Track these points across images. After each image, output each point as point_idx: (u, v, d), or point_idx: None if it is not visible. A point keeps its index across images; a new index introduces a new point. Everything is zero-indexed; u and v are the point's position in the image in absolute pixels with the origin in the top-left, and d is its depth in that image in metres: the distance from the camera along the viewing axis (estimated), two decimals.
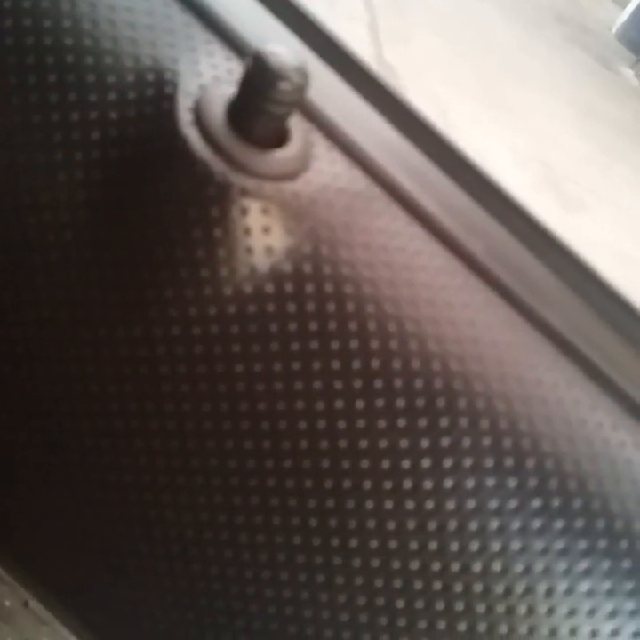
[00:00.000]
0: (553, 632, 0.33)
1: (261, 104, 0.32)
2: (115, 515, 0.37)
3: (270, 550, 0.35)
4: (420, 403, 0.33)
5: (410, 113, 0.41)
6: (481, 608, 0.33)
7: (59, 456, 0.37)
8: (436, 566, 0.33)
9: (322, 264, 0.33)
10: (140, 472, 0.36)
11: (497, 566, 0.33)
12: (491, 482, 0.33)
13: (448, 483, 0.33)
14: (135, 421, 0.35)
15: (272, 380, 0.33)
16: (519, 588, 0.33)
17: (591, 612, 0.33)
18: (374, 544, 0.34)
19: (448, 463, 0.33)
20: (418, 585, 0.33)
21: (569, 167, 2.94)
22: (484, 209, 0.40)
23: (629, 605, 0.33)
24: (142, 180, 0.34)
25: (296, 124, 0.34)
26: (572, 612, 0.33)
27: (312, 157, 0.35)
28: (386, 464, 0.33)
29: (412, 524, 0.33)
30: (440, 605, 0.33)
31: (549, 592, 0.33)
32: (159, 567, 0.37)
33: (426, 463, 0.33)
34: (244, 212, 0.33)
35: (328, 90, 0.39)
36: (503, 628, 0.33)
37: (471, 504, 0.33)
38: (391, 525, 0.33)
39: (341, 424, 0.33)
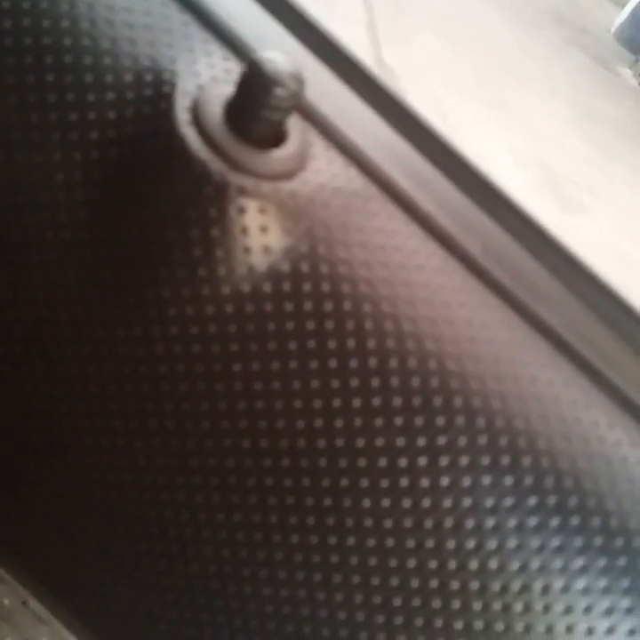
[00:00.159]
0: (549, 629, 0.33)
1: (257, 110, 0.32)
2: (114, 514, 0.37)
3: (268, 549, 0.35)
4: (416, 401, 0.33)
5: (407, 113, 0.41)
6: (477, 606, 0.33)
7: (58, 455, 0.38)
8: (433, 564, 0.33)
9: (319, 263, 0.34)
10: (139, 471, 0.36)
11: (493, 564, 0.33)
12: (487, 480, 0.33)
13: (444, 481, 0.33)
14: (134, 421, 0.35)
15: (270, 379, 0.34)
16: (515, 585, 0.33)
17: (587, 610, 0.33)
18: (371, 542, 0.34)
19: (444, 461, 0.33)
20: (414, 583, 0.34)
21: (568, 167, 2.94)
22: (481, 208, 0.40)
23: (625, 603, 0.33)
24: (140, 180, 0.34)
25: (293, 123, 0.35)
26: (568, 610, 0.33)
27: (309, 157, 0.35)
28: (383, 462, 0.33)
29: (408, 522, 0.33)
30: (437, 603, 0.34)
31: (545, 589, 0.33)
32: (157, 566, 0.37)
33: (422, 461, 0.33)
34: (242, 211, 0.33)
35: (325, 89, 0.39)
36: (500, 626, 0.33)
37: (467, 502, 0.33)
38: (388, 523, 0.33)
39: (338, 422, 0.33)
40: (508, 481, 0.33)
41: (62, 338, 0.36)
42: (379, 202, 0.36)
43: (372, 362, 0.33)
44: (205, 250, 0.33)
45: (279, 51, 0.32)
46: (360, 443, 0.33)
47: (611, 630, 0.33)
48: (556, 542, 0.33)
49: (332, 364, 0.33)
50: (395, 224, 0.36)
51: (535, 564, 0.33)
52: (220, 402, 0.34)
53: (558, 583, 0.33)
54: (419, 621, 0.34)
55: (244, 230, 0.33)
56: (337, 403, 0.33)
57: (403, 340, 0.34)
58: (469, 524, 0.33)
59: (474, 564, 0.33)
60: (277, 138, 0.34)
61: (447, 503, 0.33)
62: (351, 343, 0.33)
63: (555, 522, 0.33)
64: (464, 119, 2.71)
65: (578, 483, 0.34)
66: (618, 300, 0.40)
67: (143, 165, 0.34)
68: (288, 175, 0.34)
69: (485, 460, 0.33)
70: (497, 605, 0.33)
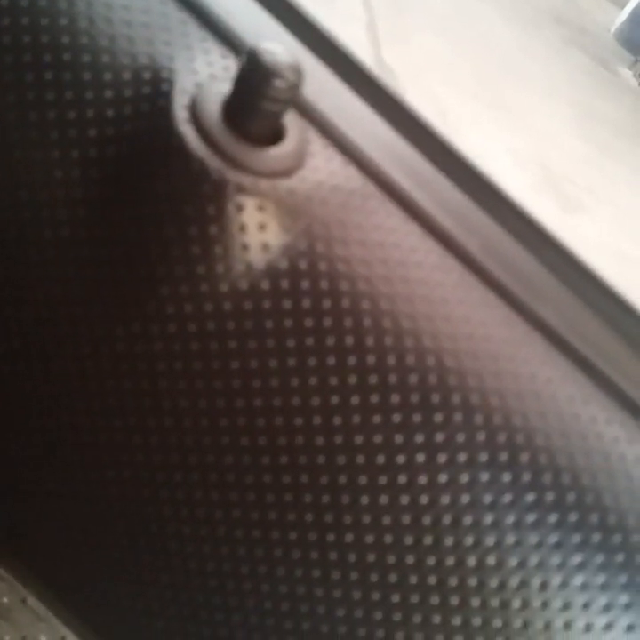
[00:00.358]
0: (547, 626, 0.33)
1: (256, 101, 0.32)
2: (112, 511, 0.37)
3: (266, 546, 0.35)
4: (414, 398, 0.33)
5: (405, 111, 0.41)
6: (476, 602, 0.33)
7: (57, 453, 0.38)
8: (431, 561, 0.33)
9: (317, 261, 0.34)
10: (137, 468, 0.36)
11: (491, 560, 0.33)
12: (485, 476, 0.33)
13: (443, 478, 0.33)
14: (133, 418, 0.35)
15: (268, 377, 0.34)
16: (513, 581, 0.33)
17: (585, 606, 0.33)
18: (370, 539, 0.34)
19: (442, 458, 0.33)
20: (413, 579, 0.34)
21: (568, 167, 2.94)
22: (479, 206, 0.40)
23: (623, 599, 0.33)
24: (139, 178, 0.34)
25: (291, 121, 0.35)
26: (566, 606, 0.33)
27: (308, 155, 0.35)
28: (381, 459, 0.33)
29: (406, 519, 0.33)
30: (435, 600, 0.34)
31: (544, 586, 0.33)
32: (156, 563, 0.37)
33: (420, 458, 0.33)
34: (240, 208, 0.33)
35: (324, 87, 0.39)
36: (498, 622, 0.34)
37: (466, 499, 0.33)
38: (386, 520, 0.33)
39: (337, 420, 0.34)
40: (507, 477, 0.33)
41: (61, 335, 0.36)
42: (377, 200, 0.36)
43: (371, 359, 0.33)
44: (204, 247, 0.33)
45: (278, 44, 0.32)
46: (358, 440, 0.33)
47: (609, 626, 0.33)
48: (554, 539, 0.33)
49: (331, 361, 0.33)
50: (393, 222, 0.36)
51: (533, 560, 0.33)
52: (218, 399, 0.34)
53: (556, 579, 0.33)
54: (417, 618, 0.34)
55: (243, 228, 0.33)
56: (335, 400, 0.33)
57: (401, 337, 0.34)
58: (468, 520, 0.33)
59: (472, 561, 0.33)
60: (275, 135, 0.34)
61: (445, 500, 0.33)
62: (349, 340, 0.33)
63: (553, 518, 0.33)
64: (464, 119, 2.71)
65: (576, 479, 0.34)
66: (616, 298, 0.40)
67: (141, 163, 0.34)
68: (286, 173, 0.34)
69: (483, 457, 0.33)
70: (495, 601, 0.33)
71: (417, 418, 0.33)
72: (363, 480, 0.34)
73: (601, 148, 3.23)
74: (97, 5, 0.35)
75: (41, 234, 0.35)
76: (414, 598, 0.34)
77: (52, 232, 0.35)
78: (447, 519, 0.33)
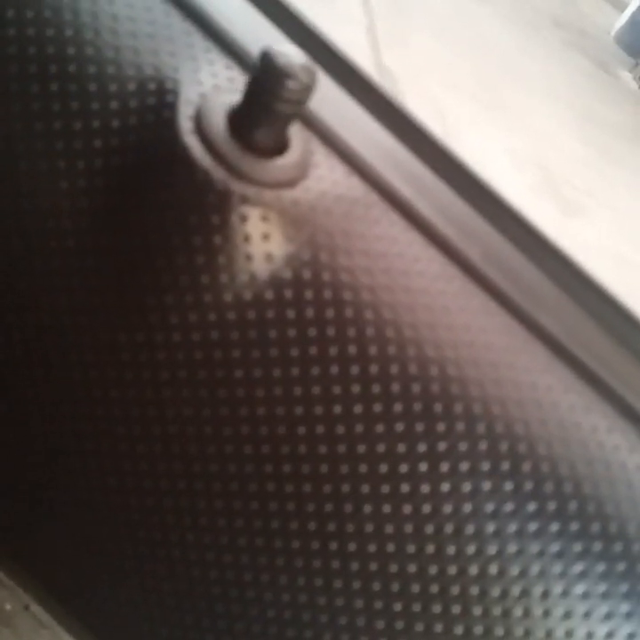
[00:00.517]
0: (549, 634, 0.34)
1: (270, 103, 0.32)
2: (115, 519, 0.37)
3: (269, 554, 0.35)
4: (417, 407, 0.34)
5: (408, 120, 0.41)
6: (477, 610, 0.34)
7: (60, 461, 0.38)
8: (433, 569, 0.34)
9: (321, 271, 0.34)
10: (141, 476, 0.36)
11: (493, 569, 0.33)
12: (487, 485, 0.33)
13: (445, 486, 0.33)
14: (137, 426, 0.35)
15: (271, 386, 0.34)
16: (515, 590, 0.33)
17: (587, 615, 0.34)
18: (372, 547, 0.34)
19: (445, 467, 0.33)
20: (415, 588, 0.34)
21: (567, 170, 2.95)
22: (481, 215, 0.40)
23: (624, 608, 0.34)
24: (143, 188, 0.34)
25: (295, 132, 0.35)
26: (567, 615, 0.34)
27: (311, 165, 0.35)
28: (384, 468, 0.34)
29: (409, 528, 0.34)
30: (437, 608, 0.34)
31: (545, 594, 0.33)
32: (159, 571, 0.37)
33: (423, 467, 0.33)
34: (244, 219, 0.33)
35: (327, 97, 0.39)
36: (500, 631, 0.34)
37: (468, 507, 0.33)
38: (389, 529, 0.34)
39: (340, 429, 0.34)
40: (508, 486, 0.34)
41: (65, 343, 0.36)
42: (380, 209, 0.37)
43: (374, 368, 0.34)
44: (208, 257, 0.33)
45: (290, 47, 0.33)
46: (361, 449, 0.34)
47: (610, 635, 0.34)
48: (555, 547, 0.33)
49: (334, 370, 0.34)
50: (396, 231, 0.36)
51: (535, 569, 0.33)
52: (222, 408, 0.34)
53: (558, 588, 0.33)
54: (419, 626, 0.34)
55: (247, 238, 0.33)
56: (338, 409, 0.34)
57: (403, 347, 0.34)
58: (470, 529, 0.33)
59: (474, 569, 0.33)
60: (280, 146, 0.34)
61: (448, 509, 0.33)
62: (353, 350, 0.34)
63: (554, 527, 0.33)
64: (463, 121, 2.71)
65: (577, 488, 0.34)
66: (616, 306, 0.40)
67: (146, 173, 0.34)
68: (290, 183, 0.34)
69: (486, 466, 0.34)
70: (497, 610, 0.34)
71: (419, 427, 0.34)
72: (365, 489, 0.34)
73: (600, 150, 3.23)
74: (102, 17, 0.35)
75: (46, 243, 0.35)
76: (416, 607, 0.34)
77: (57, 242, 0.35)
78: (449, 528, 0.33)
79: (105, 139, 0.34)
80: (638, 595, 0.34)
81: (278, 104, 0.32)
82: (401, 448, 0.33)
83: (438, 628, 0.34)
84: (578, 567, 0.33)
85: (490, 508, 0.33)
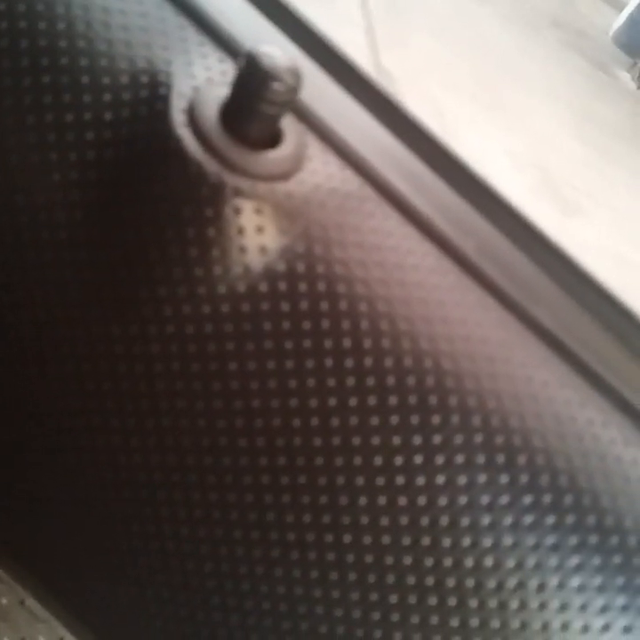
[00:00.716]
0: (545, 627, 0.34)
1: (254, 104, 0.32)
2: (110, 512, 0.37)
3: (265, 547, 0.35)
4: (412, 400, 0.34)
5: (403, 114, 0.41)
6: (473, 603, 0.34)
7: (54, 455, 0.38)
8: (429, 562, 0.34)
9: (315, 263, 0.34)
10: (135, 470, 0.36)
11: (489, 562, 0.33)
12: (482, 478, 0.33)
13: (440, 479, 0.33)
14: (130, 419, 0.35)
15: (265, 378, 0.34)
16: (511, 583, 0.33)
17: (583, 607, 0.33)
18: (367, 540, 0.34)
19: (440, 460, 0.33)
20: (411, 580, 0.34)
21: (566, 170, 2.95)
22: (476, 209, 0.40)
23: (620, 600, 0.34)
24: (137, 181, 0.34)
25: (289, 125, 0.35)
26: (563, 607, 0.33)
27: (305, 158, 0.35)
28: (379, 461, 0.34)
29: (404, 520, 0.34)
30: (433, 600, 0.34)
31: (541, 587, 0.33)
32: (154, 564, 0.37)
33: (418, 460, 0.33)
34: (238, 211, 0.33)
35: (321, 92, 0.39)
36: (496, 623, 0.34)
37: (463, 500, 0.33)
38: (384, 521, 0.34)
39: (334, 421, 0.34)
40: (504, 479, 0.34)
41: (58, 337, 0.36)
42: (374, 203, 0.37)
43: (368, 361, 0.34)
44: (201, 250, 0.33)
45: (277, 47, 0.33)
46: (356, 441, 0.34)
47: (606, 627, 0.34)
48: (551, 540, 0.33)
49: (328, 363, 0.34)
50: (390, 224, 0.36)
51: (531, 561, 0.33)
52: (216, 400, 0.34)
53: (554, 581, 0.33)
54: (415, 618, 0.34)
55: (240, 230, 0.33)
56: (333, 401, 0.34)
57: (398, 340, 0.34)
58: (465, 521, 0.33)
59: (470, 562, 0.33)
60: (273, 139, 0.34)
61: (443, 501, 0.33)
62: (347, 342, 0.34)
63: (550, 520, 0.33)
64: (462, 120, 2.71)
65: (573, 481, 0.34)
66: (612, 300, 0.40)
67: (139, 166, 0.34)
68: (284, 176, 0.34)
69: (481, 459, 0.34)
70: (493, 603, 0.34)
71: (414, 420, 0.34)
72: (360, 481, 0.34)
73: (599, 150, 3.23)
74: (94, 10, 0.35)
75: (38, 237, 0.35)
76: (412, 599, 0.34)
77: (49, 235, 0.35)
78: (445, 520, 0.33)
79: (97, 131, 0.34)
80: (634, 587, 0.34)
81: (263, 105, 0.32)
82: (396, 440, 0.33)
83: (434, 619, 0.34)
84: (574, 560, 0.33)
85: (485, 500, 0.33)
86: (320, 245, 0.34)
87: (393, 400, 0.34)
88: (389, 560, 0.34)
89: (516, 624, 0.34)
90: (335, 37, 0.42)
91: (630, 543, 0.34)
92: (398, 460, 0.33)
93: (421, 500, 0.33)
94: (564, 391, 0.36)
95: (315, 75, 0.40)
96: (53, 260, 0.35)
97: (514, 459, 0.34)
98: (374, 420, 0.34)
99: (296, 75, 0.32)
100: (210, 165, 0.33)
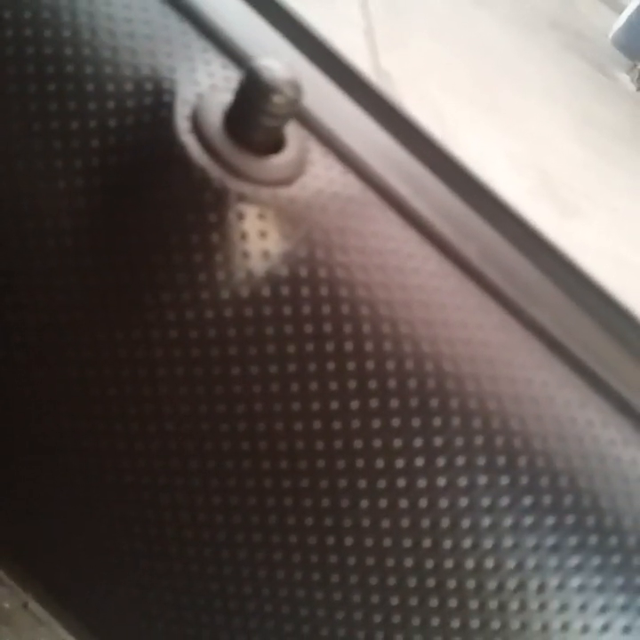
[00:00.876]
0: (545, 627, 0.34)
1: (256, 117, 0.33)
2: (113, 516, 0.37)
3: (266, 550, 0.35)
4: (413, 403, 0.34)
5: (404, 119, 0.41)
6: (474, 604, 0.34)
7: (57, 458, 0.38)
8: (430, 563, 0.34)
9: (317, 267, 0.34)
10: (138, 473, 0.36)
11: (489, 563, 0.34)
12: (483, 480, 0.34)
13: (441, 481, 0.34)
14: (134, 423, 0.36)
15: (268, 382, 0.34)
16: (511, 583, 0.34)
17: (582, 607, 0.34)
18: (369, 542, 0.34)
19: (441, 462, 0.34)
20: (411, 582, 0.34)
21: (565, 172, 2.95)
22: (477, 213, 0.40)
23: (620, 600, 0.34)
24: (141, 187, 0.34)
25: (292, 130, 0.35)
26: (563, 608, 0.34)
27: (307, 163, 0.35)
28: (380, 463, 0.34)
29: (405, 522, 0.34)
30: (434, 602, 0.34)
31: (541, 588, 0.34)
32: (157, 567, 0.37)
33: (419, 462, 0.34)
34: (241, 216, 0.33)
35: (323, 96, 0.40)
36: (496, 624, 0.34)
37: (464, 502, 0.34)
38: (385, 523, 0.34)
39: (336, 424, 0.34)
40: (504, 481, 0.34)
41: (62, 341, 0.36)
42: (376, 207, 0.37)
43: (370, 364, 0.34)
44: (205, 255, 0.33)
45: (277, 59, 0.33)
46: (358, 444, 0.34)
47: (606, 627, 0.34)
48: (551, 541, 0.34)
49: (330, 366, 0.34)
50: (391, 229, 0.37)
51: (531, 562, 0.34)
52: (219, 404, 0.34)
53: (554, 581, 0.34)
54: (416, 620, 0.34)
55: (244, 235, 0.33)
56: (335, 405, 0.34)
57: (399, 343, 0.34)
58: (466, 523, 0.34)
59: (470, 563, 0.34)
60: (276, 144, 0.34)
61: (444, 503, 0.34)
62: (349, 346, 0.34)
63: (550, 521, 0.34)
64: (461, 123, 2.72)
65: (573, 482, 0.34)
66: (612, 302, 0.41)
67: (144, 172, 0.34)
68: (287, 181, 0.34)
69: (482, 461, 0.34)
70: (493, 604, 0.34)
71: (416, 422, 0.34)
72: (362, 484, 0.34)
73: (599, 152, 3.23)
74: (99, 18, 0.36)
75: (44, 243, 0.35)
76: (413, 601, 0.34)
77: (54, 241, 0.35)
78: (445, 522, 0.34)
79: (102, 138, 0.34)
80: (634, 587, 0.34)
81: (264, 118, 0.33)
82: (397, 443, 0.34)
83: (435, 621, 0.34)
84: (573, 560, 0.34)
85: (486, 502, 0.34)
86: (322, 250, 0.34)
87: (394, 403, 0.34)
88: (391, 562, 0.34)
89: (516, 625, 0.34)
90: (335, 39, 0.42)
91: (629, 543, 0.34)
92: (400, 463, 0.34)
93: (422, 503, 0.34)
94: (564, 392, 0.36)
95: (316, 79, 0.41)
96: (58, 265, 0.35)
97: (514, 460, 0.34)
98: (376, 423, 0.34)
99: (296, 87, 0.32)
100: (213, 171, 0.33)
